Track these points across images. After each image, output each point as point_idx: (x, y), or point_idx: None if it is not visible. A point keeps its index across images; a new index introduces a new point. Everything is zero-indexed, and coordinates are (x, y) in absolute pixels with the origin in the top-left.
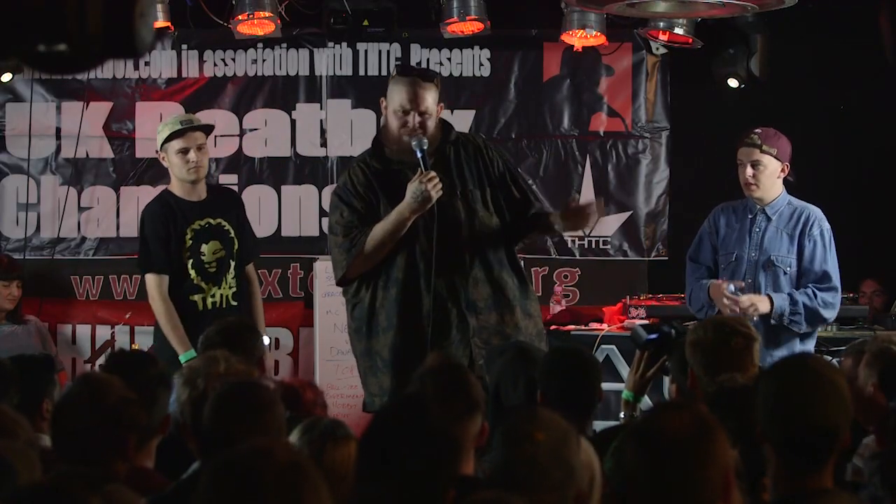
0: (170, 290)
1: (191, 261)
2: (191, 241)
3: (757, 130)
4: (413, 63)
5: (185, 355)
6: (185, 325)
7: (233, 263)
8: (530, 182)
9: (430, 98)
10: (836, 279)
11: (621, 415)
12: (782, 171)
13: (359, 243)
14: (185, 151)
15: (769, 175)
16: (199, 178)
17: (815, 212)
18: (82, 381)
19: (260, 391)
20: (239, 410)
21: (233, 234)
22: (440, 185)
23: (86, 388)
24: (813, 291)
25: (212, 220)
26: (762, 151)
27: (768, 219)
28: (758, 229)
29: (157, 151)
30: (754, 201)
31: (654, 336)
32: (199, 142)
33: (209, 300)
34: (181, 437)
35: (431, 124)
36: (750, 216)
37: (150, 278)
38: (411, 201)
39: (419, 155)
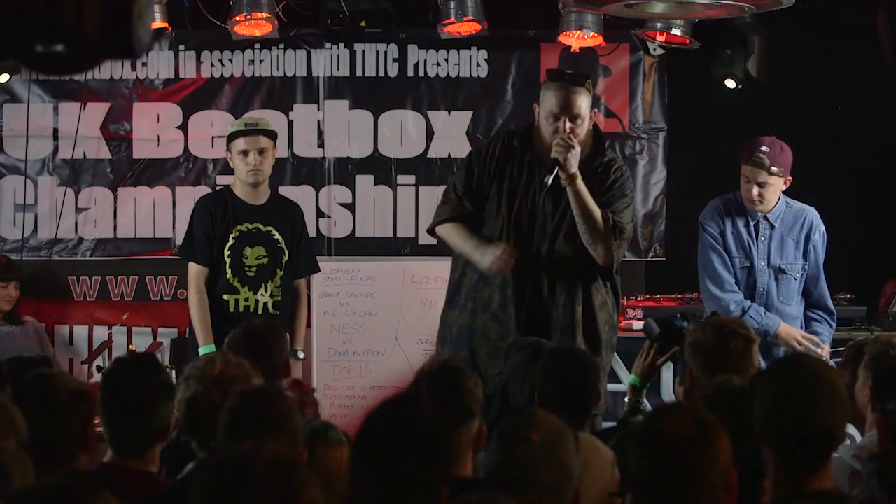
0: (209, 285)
1: (230, 260)
2: (233, 241)
3: (763, 148)
4: (411, 64)
5: (203, 348)
6: (214, 322)
7: (279, 273)
8: None
9: (581, 102)
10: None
11: (626, 399)
12: (785, 182)
13: (442, 215)
14: (245, 153)
15: (774, 192)
16: (257, 181)
17: (814, 214)
18: (30, 383)
19: (275, 403)
20: (253, 423)
21: (282, 245)
22: (502, 266)
23: (34, 390)
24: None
25: (262, 227)
26: (770, 174)
27: (772, 226)
28: (763, 237)
29: (226, 150)
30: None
31: (666, 329)
32: (261, 145)
33: (241, 303)
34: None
35: (583, 131)
36: (753, 223)
37: (191, 267)
38: (479, 259)
39: (552, 176)
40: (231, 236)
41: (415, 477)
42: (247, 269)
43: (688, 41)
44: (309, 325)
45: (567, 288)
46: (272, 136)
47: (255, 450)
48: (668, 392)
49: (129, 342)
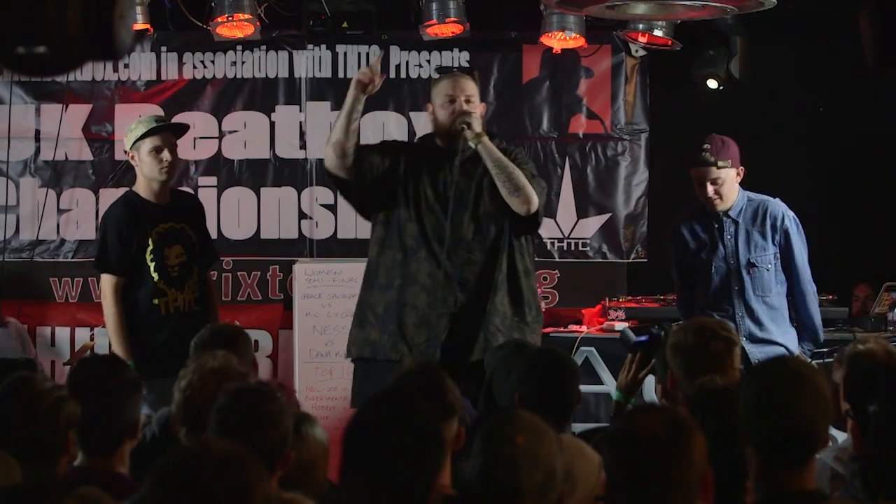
0: (132, 293)
1: (153, 264)
2: (153, 244)
3: (705, 146)
4: (393, 65)
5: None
6: (148, 328)
7: (196, 268)
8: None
9: (471, 86)
10: (813, 287)
11: (611, 415)
12: (738, 174)
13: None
14: (158, 150)
15: (729, 186)
16: (170, 177)
17: (777, 203)
18: (12, 387)
19: (266, 402)
20: (243, 421)
21: (195, 240)
22: (367, 71)
23: (17, 395)
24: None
25: (175, 225)
26: (719, 168)
27: (735, 222)
28: (729, 236)
29: (125, 151)
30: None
31: (643, 338)
32: (171, 141)
33: (171, 304)
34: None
35: (477, 112)
36: (716, 224)
37: (106, 279)
38: (352, 88)
39: (462, 128)
40: (151, 239)
41: (408, 472)
42: (170, 269)
43: (670, 42)
44: (291, 327)
45: (491, 251)
46: (180, 130)
47: (205, 448)
48: (650, 393)
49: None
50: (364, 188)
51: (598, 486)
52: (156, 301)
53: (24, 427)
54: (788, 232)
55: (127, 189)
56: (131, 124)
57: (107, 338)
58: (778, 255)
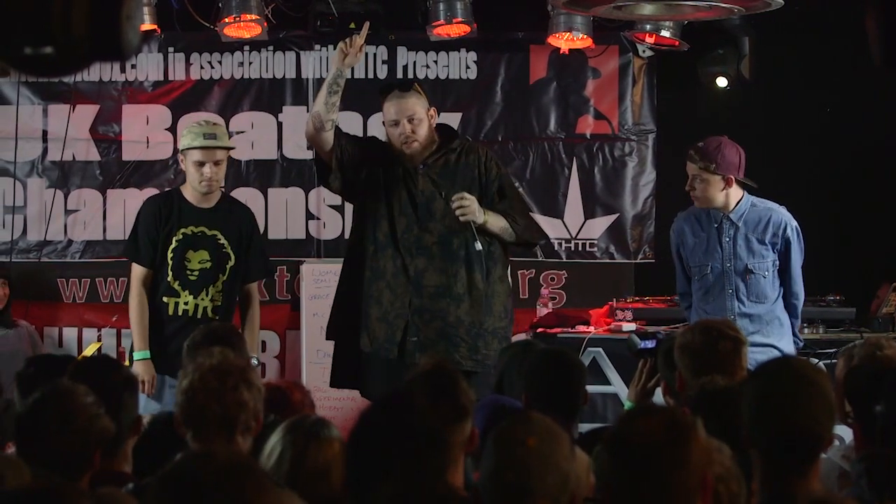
0: (150, 287)
1: (172, 262)
2: (176, 244)
3: (699, 144)
4: (400, 66)
5: (138, 353)
6: (152, 324)
7: (221, 278)
8: (517, 184)
9: (412, 104)
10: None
11: None
12: (725, 181)
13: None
14: (201, 164)
15: (709, 188)
16: (210, 191)
17: (781, 212)
18: (51, 396)
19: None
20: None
21: (228, 249)
22: (343, 47)
23: (55, 406)
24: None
25: (207, 230)
26: (699, 168)
27: (735, 226)
28: (727, 238)
29: (179, 153)
30: (716, 209)
31: (649, 344)
32: (217, 157)
33: (181, 306)
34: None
35: (423, 130)
36: (715, 225)
37: (134, 268)
38: (332, 66)
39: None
40: (175, 239)
41: (409, 474)
42: (189, 272)
43: (677, 43)
44: (298, 328)
45: (455, 262)
46: (227, 150)
47: (208, 457)
48: (660, 398)
49: (119, 344)
50: (343, 169)
51: (588, 488)
52: (165, 300)
53: (57, 437)
54: (790, 241)
55: (149, 191)
56: (186, 127)
57: (115, 338)
58: (777, 263)
